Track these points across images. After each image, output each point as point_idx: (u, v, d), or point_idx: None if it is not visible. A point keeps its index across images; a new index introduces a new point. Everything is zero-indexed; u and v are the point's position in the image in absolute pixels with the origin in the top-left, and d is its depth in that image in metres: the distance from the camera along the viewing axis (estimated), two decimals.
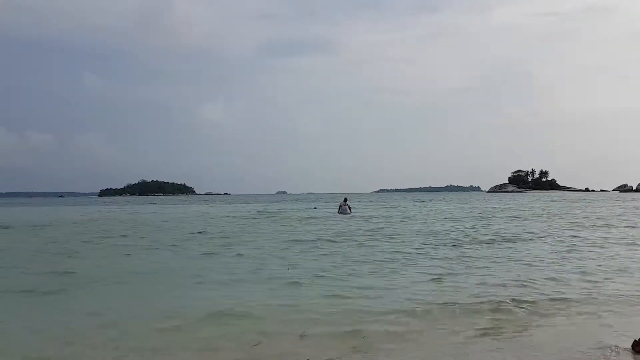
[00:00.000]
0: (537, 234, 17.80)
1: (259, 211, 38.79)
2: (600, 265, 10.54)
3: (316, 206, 46.84)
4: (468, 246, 14.14)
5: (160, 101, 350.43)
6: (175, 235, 18.68)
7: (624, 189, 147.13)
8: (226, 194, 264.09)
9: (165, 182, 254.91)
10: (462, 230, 19.24)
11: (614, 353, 5.27)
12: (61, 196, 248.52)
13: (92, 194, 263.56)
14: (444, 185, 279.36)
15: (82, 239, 17.37)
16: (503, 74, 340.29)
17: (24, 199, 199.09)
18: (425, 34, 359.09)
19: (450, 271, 9.92)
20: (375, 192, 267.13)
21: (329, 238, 16.41)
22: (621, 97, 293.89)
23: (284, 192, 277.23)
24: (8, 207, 62.05)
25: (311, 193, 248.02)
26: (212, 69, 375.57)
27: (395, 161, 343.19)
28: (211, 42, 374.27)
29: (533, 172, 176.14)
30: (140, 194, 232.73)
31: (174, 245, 15.07)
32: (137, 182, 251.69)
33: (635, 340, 5.44)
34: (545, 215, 29.53)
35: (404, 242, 15.32)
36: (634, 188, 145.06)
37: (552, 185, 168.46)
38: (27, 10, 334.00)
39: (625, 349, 5.35)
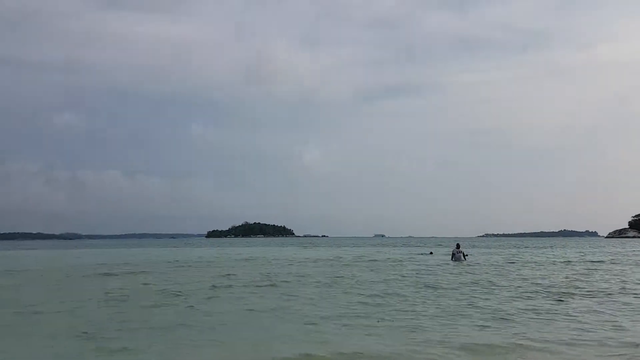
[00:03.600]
0: None
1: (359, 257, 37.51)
2: None
3: (432, 251, 44.19)
4: None
5: (262, 147, 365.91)
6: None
7: None
8: (324, 236, 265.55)
9: (266, 224, 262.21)
10: None
11: None
12: (173, 237, 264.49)
13: (200, 235, 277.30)
14: (557, 230, 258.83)
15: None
16: (611, 114, 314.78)
17: (137, 240, 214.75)
18: (525, 73, 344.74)
19: None
20: (480, 236, 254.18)
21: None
22: None
23: (382, 235, 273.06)
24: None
25: (411, 237, 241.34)
26: (310, 115, 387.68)
27: (501, 204, 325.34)
28: (309, 88, 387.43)
29: None
30: (243, 236, 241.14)
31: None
32: (240, 224, 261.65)
33: None
34: None
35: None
36: None
37: None
38: (145, 68, 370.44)
39: None
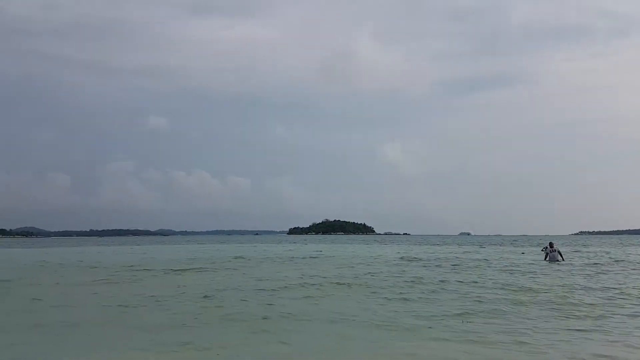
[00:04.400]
0: None
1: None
2: None
3: (524, 252, 41.78)
4: None
5: (344, 145, 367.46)
6: None
7: None
8: (406, 234, 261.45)
9: (346, 222, 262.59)
10: None
11: None
12: (257, 234, 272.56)
13: (282, 232, 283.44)
14: None
15: None
16: None
17: (225, 236, 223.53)
18: (626, 59, 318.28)
19: None
20: (574, 234, 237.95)
21: None
22: None
23: (468, 234, 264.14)
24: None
25: (499, 235, 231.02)
26: (393, 111, 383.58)
27: (598, 200, 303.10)
28: (390, 84, 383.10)
29: None
30: (323, 233, 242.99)
31: None
32: (321, 222, 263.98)
33: None
34: None
35: None
36: None
37: None
38: (227, 71, 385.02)
39: None
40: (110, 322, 10.28)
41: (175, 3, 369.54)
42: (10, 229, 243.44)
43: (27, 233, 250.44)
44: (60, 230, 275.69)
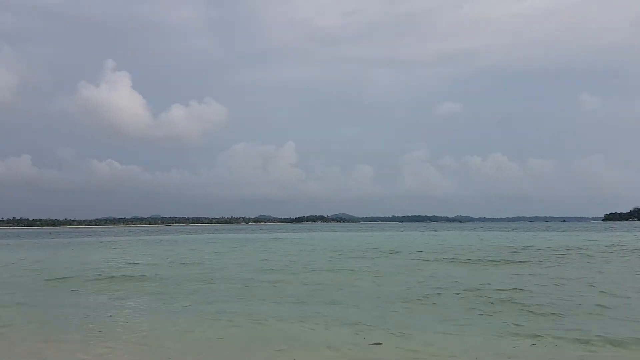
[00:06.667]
0: None
1: None
2: None
3: None
4: None
5: None
6: None
7: None
8: None
9: None
10: None
11: None
12: (564, 220, 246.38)
13: (595, 219, 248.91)
14: None
15: None
16: None
17: (528, 223, 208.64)
18: None
19: None
20: None
21: None
22: None
23: None
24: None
25: None
26: None
27: None
28: None
29: None
30: None
31: None
32: None
33: None
34: None
35: None
36: None
37: None
38: (527, 46, 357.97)
39: None
40: None
41: None
42: (327, 215, 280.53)
43: (340, 219, 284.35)
44: (367, 216, 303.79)
